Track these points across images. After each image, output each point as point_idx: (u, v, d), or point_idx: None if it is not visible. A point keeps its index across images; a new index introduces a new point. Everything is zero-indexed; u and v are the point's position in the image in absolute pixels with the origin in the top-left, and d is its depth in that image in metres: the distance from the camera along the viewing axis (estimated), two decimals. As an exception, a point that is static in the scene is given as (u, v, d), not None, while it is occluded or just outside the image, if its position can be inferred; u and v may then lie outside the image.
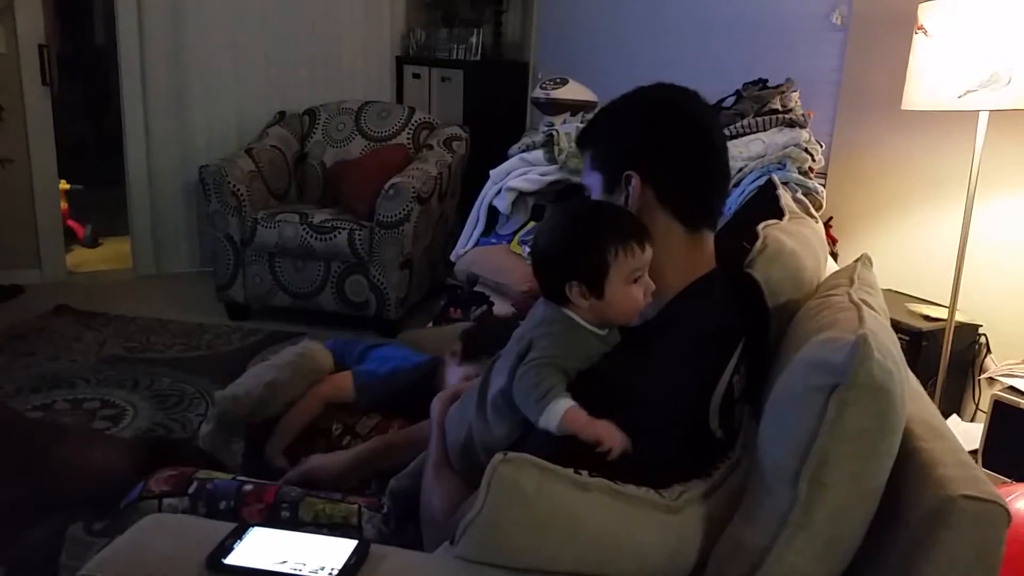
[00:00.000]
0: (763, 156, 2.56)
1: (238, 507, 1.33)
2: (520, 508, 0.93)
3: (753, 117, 2.69)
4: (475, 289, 2.92)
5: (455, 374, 1.66)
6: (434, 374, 1.71)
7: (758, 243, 1.23)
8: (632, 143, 1.18)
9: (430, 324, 1.81)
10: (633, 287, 1.10)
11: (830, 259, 1.60)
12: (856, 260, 1.32)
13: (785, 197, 1.54)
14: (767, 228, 1.28)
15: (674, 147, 1.16)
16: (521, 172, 3.26)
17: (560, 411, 1.02)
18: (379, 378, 1.69)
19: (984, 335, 2.51)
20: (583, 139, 1.26)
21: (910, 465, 0.95)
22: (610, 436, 0.99)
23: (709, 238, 1.19)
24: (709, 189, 1.19)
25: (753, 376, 1.19)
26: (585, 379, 1.07)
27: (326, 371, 1.74)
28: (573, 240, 1.12)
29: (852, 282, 1.20)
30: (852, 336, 0.92)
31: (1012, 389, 2.19)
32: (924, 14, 2.18)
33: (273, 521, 1.31)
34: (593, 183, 1.22)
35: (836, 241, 2.82)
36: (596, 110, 1.40)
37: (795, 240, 1.28)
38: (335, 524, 1.30)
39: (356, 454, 1.52)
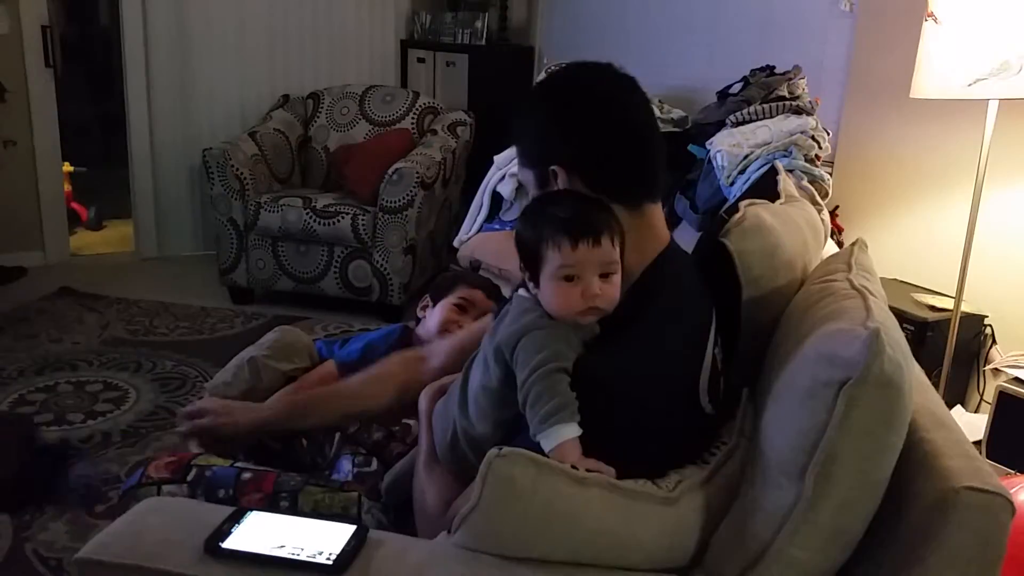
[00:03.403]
0: (769, 143, 2.54)
1: (236, 495, 1.33)
2: (516, 503, 0.92)
3: (760, 104, 2.67)
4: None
5: (434, 318, 1.73)
6: (407, 339, 1.76)
7: (736, 215, 1.21)
8: (547, 136, 1.15)
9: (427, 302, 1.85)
10: (564, 285, 1.05)
11: (834, 247, 1.58)
12: (852, 244, 1.30)
13: (785, 182, 1.52)
14: (750, 205, 1.26)
15: (586, 131, 1.12)
16: (525, 158, 3.24)
17: (559, 439, 0.99)
18: (357, 354, 1.72)
19: (990, 326, 2.50)
20: (512, 134, 1.22)
21: (914, 456, 0.94)
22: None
23: (655, 211, 1.16)
24: (637, 161, 1.15)
25: (728, 346, 1.17)
26: (572, 376, 1.03)
27: (304, 345, 1.79)
28: (522, 225, 1.12)
29: (850, 267, 1.19)
30: (862, 329, 0.91)
31: (1017, 380, 2.17)
32: (934, 1, 2.15)
33: (272, 510, 1.30)
34: (527, 179, 1.19)
35: (842, 229, 2.81)
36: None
37: (777, 218, 1.26)
38: (335, 514, 1.30)
39: (268, 412, 1.50)
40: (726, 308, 1.17)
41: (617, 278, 1.07)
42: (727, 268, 1.18)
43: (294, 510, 1.31)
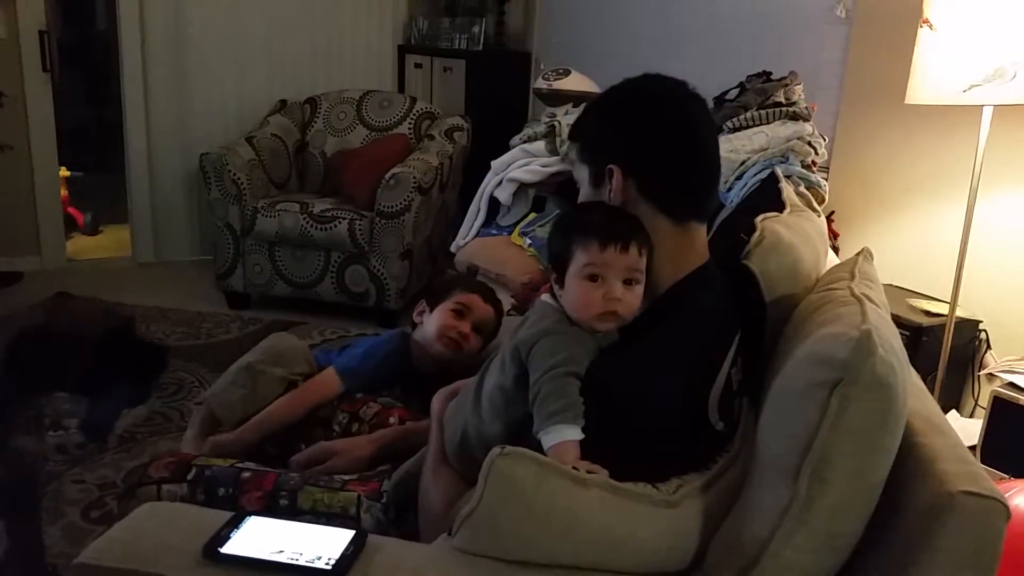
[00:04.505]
0: (766, 149, 2.54)
1: (236, 494, 1.33)
2: (517, 503, 0.93)
3: (756, 110, 2.68)
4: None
5: (432, 324, 1.74)
6: (406, 347, 1.77)
7: (755, 235, 1.22)
8: (613, 137, 1.18)
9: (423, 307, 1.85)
10: (588, 284, 1.08)
11: (831, 253, 1.59)
12: (857, 254, 1.32)
13: (787, 190, 1.53)
14: (765, 221, 1.27)
15: (654, 140, 1.15)
16: (523, 163, 3.25)
17: (560, 438, 1.01)
18: (358, 359, 1.72)
19: (984, 331, 2.51)
20: (572, 132, 1.26)
21: (910, 460, 0.95)
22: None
23: (699, 230, 1.18)
24: (694, 181, 1.17)
25: (751, 368, 1.18)
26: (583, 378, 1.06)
27: (298, 350, 1.79)
28: (555, 227, 1.17)
29: (853, 276, 1.20)
30: (855, 331, 0.91)
31: (1012, 385, 2.18)
32: (929, 8, 2.17)
33: (271, 509, 1.31)
34: (581, 176, 1.22)
35: (838, 235, 2.82)
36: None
37: (793, 233, 1.27)
38: (333, 514, 1.30)
39: (379, 444, 1.53)
40: (751, 329, 1.18)
41: (640, 288, 1.10)
42: (750, 288, 1.19)
43: (293, 508, 1.31)
